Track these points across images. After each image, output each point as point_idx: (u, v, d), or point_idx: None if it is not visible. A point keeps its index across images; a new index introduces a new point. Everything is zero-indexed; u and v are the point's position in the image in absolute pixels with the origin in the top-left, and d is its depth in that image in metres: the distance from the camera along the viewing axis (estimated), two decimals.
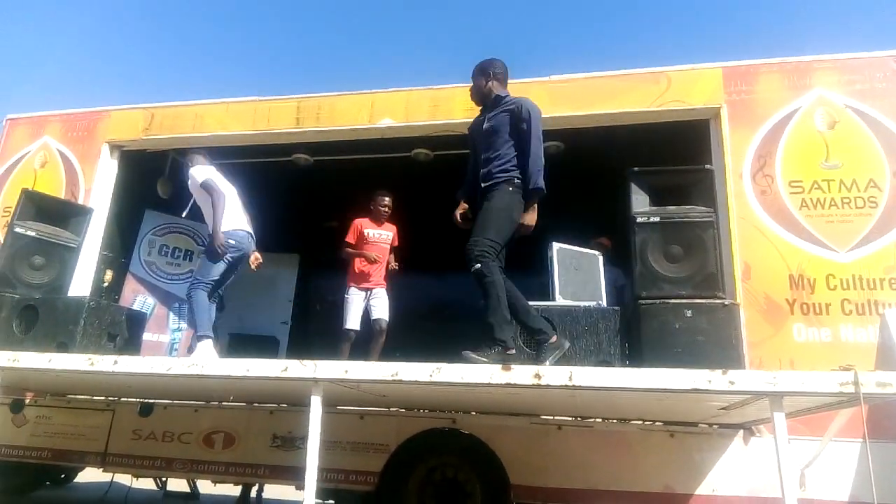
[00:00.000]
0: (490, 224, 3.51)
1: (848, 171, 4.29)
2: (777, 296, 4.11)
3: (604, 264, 5.46)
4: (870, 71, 4.47)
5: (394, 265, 5.47)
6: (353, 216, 5.53)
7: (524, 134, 3.62)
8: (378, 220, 5.46)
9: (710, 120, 4.66)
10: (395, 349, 4.87)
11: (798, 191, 4.32)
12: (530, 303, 3.61)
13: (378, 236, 5.42)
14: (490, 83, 3.92)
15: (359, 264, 5.34)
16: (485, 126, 3.78)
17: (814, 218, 4.24)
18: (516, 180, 3.60)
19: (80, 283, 5.18)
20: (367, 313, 5.29)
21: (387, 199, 5.46)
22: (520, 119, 3.65)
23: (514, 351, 3.40)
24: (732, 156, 4.45)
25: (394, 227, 5.54)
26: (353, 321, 5.23)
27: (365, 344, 5.21)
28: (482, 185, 3.66)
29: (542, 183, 3.58)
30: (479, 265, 3.39)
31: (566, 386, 2.70)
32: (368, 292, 5.32)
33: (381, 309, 5.28)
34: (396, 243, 5.53)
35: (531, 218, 3.59)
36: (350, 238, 5.43)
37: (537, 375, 2.74)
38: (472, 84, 3.98)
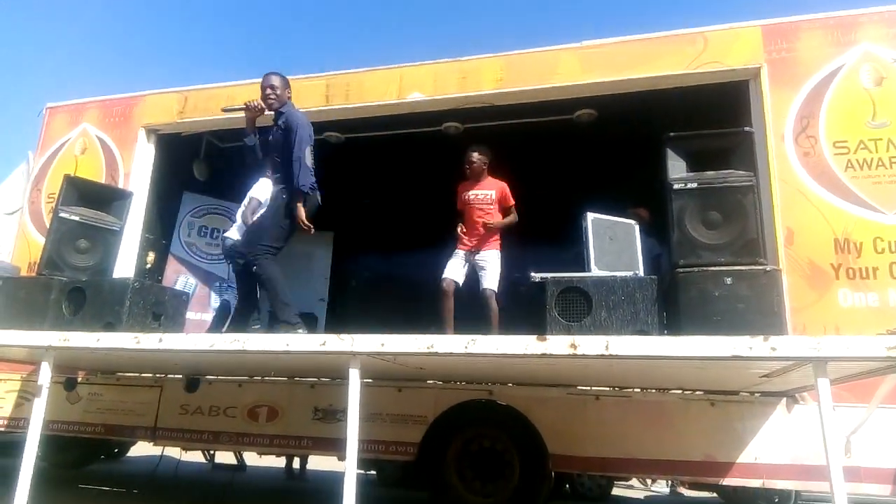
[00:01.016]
0: (265, 231, 4.18)
1: None
2: (821, 261, 4.00)
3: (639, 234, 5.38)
4: None
5: (490, 222, 4.78)
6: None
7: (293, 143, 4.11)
8: (475, 180, 4.93)
9: (750, 81, 4.50)
10: (431, 322, 4.89)
11: (843, 151, 4.16)
12: (566, 274, 3.67)
13: (475, 197, 4.88)
14: (289, 93, 4.37)
15: (459, 229, 4.90)
16: (271, 139, 4.26)
17: (860, 179, 4.08)
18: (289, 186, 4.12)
19: (124, 265, 5.34)
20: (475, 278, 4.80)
21: (473, 154, 4.88)
22: (290, 129, 4.14)
23: (302, 329, 3.98)
24: (773, 117, 4.30)
25: (498, 184, 4.91)
26: (447, 272, 4.73)
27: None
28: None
29: (304, 183, 4.06)
30: (255, 267, 4.07)
31: (602, 355, 2.68)
32: (469, 254, 4.79)
33: (485, 276, 4.69)
34: (507, 202, 4.86)
35: (300, 216, 4.10)
36: (458, 205, 5.01)
37: (573, 345, 2.73)
38: (275, 89, 4.26)
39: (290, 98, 4.39)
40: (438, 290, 4.70)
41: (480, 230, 4.78)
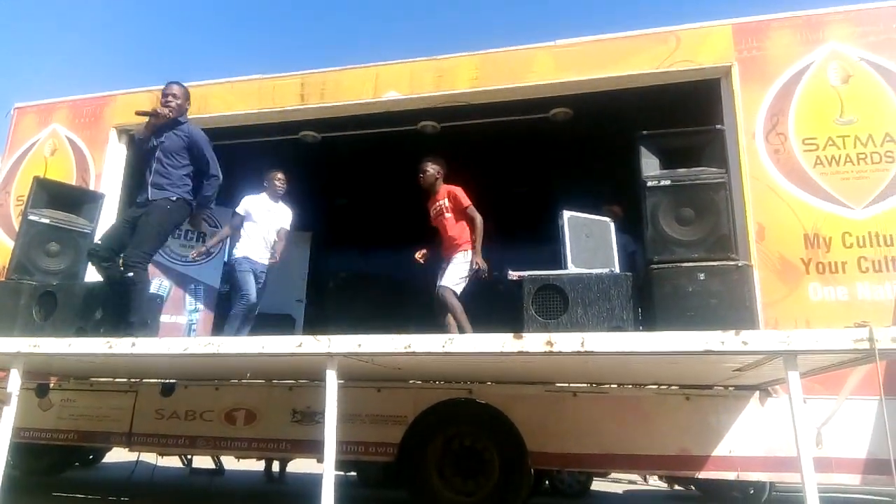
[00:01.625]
0: (150, 237, 4.16)
1: (863, 127, 4.19)
2: (792, 255, 4.07)
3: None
4: (885, 22, 4.34)
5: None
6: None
7: (202, 157, 4.30)
8: (430, 192, 4.98)
9: (721, 79, 4.57)
10: (409, 322, 4.88)
11: (812, 148, 4.24)
12: (543, 272, 3.72)
13: (433, 210, 4.96)
14: (188, 105, 4.46)
15: (420, 255, 5.02)
16: (164, 143, 4.26)
17: (829, 175, 4.17)
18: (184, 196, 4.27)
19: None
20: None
21: (423, 165, 4.89)
22: (195, 144, 4.28)
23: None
24: (744, 115, 4.37)
25: (449, 190, 4.89)
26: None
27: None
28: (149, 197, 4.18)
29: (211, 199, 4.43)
30: (131, 273, 4.03)
31: (578, 352, 2.70)
32: (444, 263, 4.81)
33: (442, 275, 4.71)
34: (460, 204, 4.81)
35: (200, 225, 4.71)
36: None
37: (549, 343, 2.75)
38: (177, 97, 4.33)
39: (188, 109, 4.50)
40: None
41: (445, 243, 4.86)
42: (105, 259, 4.11)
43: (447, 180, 4.97)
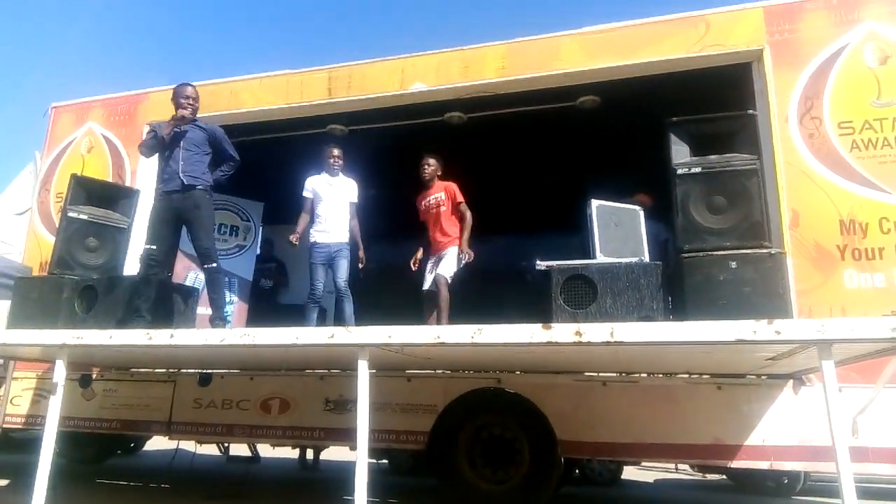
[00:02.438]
0: (211, 230, 4.64)
1: None
2: (827, 242, 3.99)
3: (645, 219, 5.37)
4: None
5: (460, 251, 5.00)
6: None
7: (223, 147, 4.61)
8: (427, 186, 5.23)
9: (753, 63, 4.48)
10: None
11: (848, 132, 4.14)
12: (571, 262, 3.75)
13: (427, 204, 5.21)
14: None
15: (413, 262, 5.35)
16: (188, 135, 4.46)
17: (865, 160, 4.07)
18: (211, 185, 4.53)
19: (134, 262, 5.38)
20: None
21: (427, 159, 5.20)
22: (214, 136, 4.55)
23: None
24: (777, 99, 4.28)
25: (446, 185, 5.18)
26: (424, 285, 5.15)
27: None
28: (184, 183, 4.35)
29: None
30: (215, 265, 4.42)
31: (608, 342, 2.70)
32: (435, 260, 5.10)
33: (441, 264, 5.00)
34: (456, 198, 5.11)
35: None
36: (420, 217, 5.31)
37: (578, 333, 2.75)
38: (197, 100, 4.57)
39: None
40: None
41: (437, 236, 5.06)
42: (163, 265, 4.42)
43: (446, 177, 5.24)
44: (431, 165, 5.18)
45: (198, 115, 4.59)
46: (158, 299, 4.29)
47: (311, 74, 5.57)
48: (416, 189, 5.33)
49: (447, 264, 4.94)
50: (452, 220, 5.07)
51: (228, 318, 6.72)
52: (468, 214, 5.04)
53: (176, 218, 4.38)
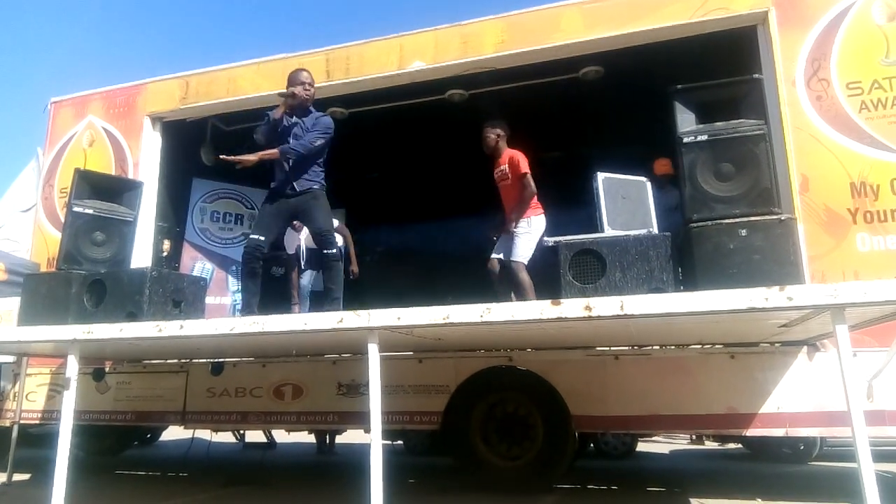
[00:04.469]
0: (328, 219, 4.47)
1: None
2: (838, 206, 3.93)
3: (662, 186, 5.31)
4: None
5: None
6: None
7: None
8: (494, 157, 4.92)
9: (758, 26, 4.39)
10: (447, 293, 4.90)
11: (857, 92, 4.05)
12: (579, 237, 3.68)
13: (496, 175, 4.91)
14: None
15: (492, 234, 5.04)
16: (295, 130, 4.32)
17: (875, 120, 3.99)
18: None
19: (141, 255, 5.39)
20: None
21: (484, 130, 4.88)
22: (317, 126, 4.36)
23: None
24: (783, 62, 4.19)
25: (510, 155, 4.81)
26: (493, 252, 4.89)
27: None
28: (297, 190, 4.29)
29: (290, 150, 4.25)
30: (334, 250, 4.38)
31: (618, 315, 2.67)
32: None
33: (512, 249, 4.68)
34: (517, 170, 4.73)
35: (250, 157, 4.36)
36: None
37: (588, 307, 2.72)
38: (313, 85, 4.36)
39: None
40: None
41: (508, 211, 4.79)
42: (264, 258, 4.36)
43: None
44: (489, 137, 4.85)
45: (312, 109, 4.42)
46: (169, 290, 4.28)
47: (309, 57, 5.49)
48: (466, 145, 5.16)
49: (519, 247, 4.61)
50: (517, 192, 4.74)
51: (237, 306, 6.76)
52: (527, 190, 4.66)
53: (288, 217, 4.49)
